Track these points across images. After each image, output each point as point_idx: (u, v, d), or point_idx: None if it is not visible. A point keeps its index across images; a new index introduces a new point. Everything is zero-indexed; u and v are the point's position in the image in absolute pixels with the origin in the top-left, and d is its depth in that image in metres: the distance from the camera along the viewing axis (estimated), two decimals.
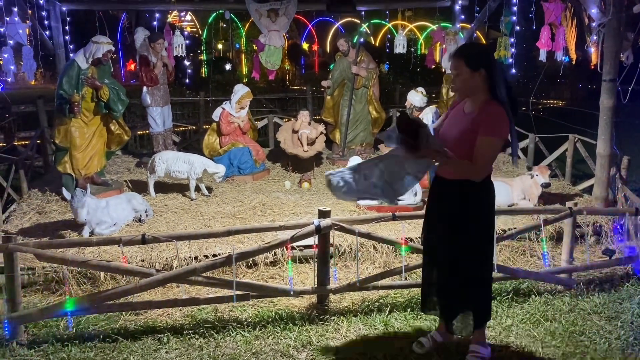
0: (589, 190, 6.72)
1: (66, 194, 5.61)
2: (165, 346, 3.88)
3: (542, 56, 7.01)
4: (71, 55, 6.55)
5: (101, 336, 3.99)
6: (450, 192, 3.41)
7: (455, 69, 3.34)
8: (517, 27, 8.06)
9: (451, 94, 7.99)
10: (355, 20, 16.87)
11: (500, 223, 5.54)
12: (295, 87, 17.37)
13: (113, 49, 6.45)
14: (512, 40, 8.15)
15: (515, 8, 7.90)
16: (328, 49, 22.03)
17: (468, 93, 3.36)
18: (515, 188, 6.29)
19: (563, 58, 6.94)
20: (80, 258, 4.26)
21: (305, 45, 22.59)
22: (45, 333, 4.07)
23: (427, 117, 6.64)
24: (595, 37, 5.99)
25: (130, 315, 4.33)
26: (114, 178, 7.50)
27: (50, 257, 4.01)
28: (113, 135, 6.73)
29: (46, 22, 8.18)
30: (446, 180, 3.43)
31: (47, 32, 8.24)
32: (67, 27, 8.54)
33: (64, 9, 8.48)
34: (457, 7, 9.56)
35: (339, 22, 18.45)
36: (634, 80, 5.88)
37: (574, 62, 7.28)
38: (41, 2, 7.89)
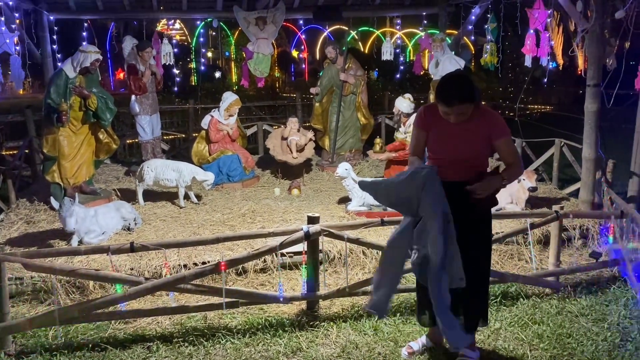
0: (575, 194, 6.79)
1: (54, 203, 5.59)
2: (155, 354, 3.88)
3: (528, 62, 7.09)
4: (59, 64, 6.53)
5: (90, 345, 3.97)
6: (455, 196, 3.26)
7: (462, 111, 3.23)
8: (502, 33, 8.16)
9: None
10: (344, 27, 16.95)
11: None
12: (285, 94, 17.38)
13: (101, 57, 6.46)
14: (498, 46, 8.24)
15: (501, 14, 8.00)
16: (317, 56, 22.10)
17: None
18: (503, 192, 6.33)
19: (551, 64, 7.02)
20: (68, 267, 4.24)
21: (294, 53, 22.64)
22: (34, 343, 4.04)
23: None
24: (579, 43, 6.08)
25: (119, 324, 4.32)
26: (103, 187, 7.49)
27: (38, 267, 4.00)
28: (101, 144, 6.73)
29: (33, 31, 8.17)
30: (447, 183, 3.26)
31: (35, 41, 8.23)
32: (54, 37, 8.53)
33: (51, 18, 8.47)
34: (444, 14, 9.67)
35: (328, 30, 18.51)
36: (617, 85, 5.97)
37: (560, 68, 7.36)
38: (29, 11, 7.89)
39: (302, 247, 4.31)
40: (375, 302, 3.43)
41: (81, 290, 4.70)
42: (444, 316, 3.21)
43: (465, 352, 3.65)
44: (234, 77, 20.06)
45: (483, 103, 3.44)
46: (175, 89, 12.39)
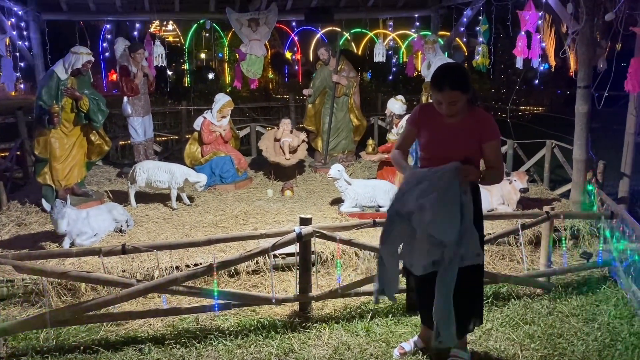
0: (566, 194, 6.83)
1: (46, 205, 5.57)
2: (147, 356, 3.87)
3: (519, 63, 7.13)
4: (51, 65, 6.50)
5: (82, 348, 3.96)
6: None
7: (452, 99, 3.20)
8: (494, 35, 8.20)
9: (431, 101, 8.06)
10: (337, 29, 16.98)
11: None
12: (278, 96, 17.38)
13: (93, 59, 6.43)
14: (490, 47, 8.29)
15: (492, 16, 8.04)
16: (311, 58, 22.11)
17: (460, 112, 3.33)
18: (494, 193, 6.37)
19: (542, 65, 7.06)
20: (59, 269, 4.22)
21: (288, 54, 22.64)
22: (25, 346, 4.02)
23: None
24: (570, 45, 6.12)
25: (111, 326, 4.30)
26: (95, 189, 7.46)
27: (30, 269, 3.98)
28: (93, 145, 6.70)
29: (25, 32, 8.13)
30: None
31: (26, 43, 8.19)
32: (46, 38, 8.49)
33: (43, 19, 8.43)
34: (436, 16, 9.70)
35: (321, 31, 18.54)
36: (607, 87, 6.01)
37: (553, 69, 7.40)
38: (20, 13, 7.85)
39: (294, 248, 4.32)
40: (384, 287, 3.44)
41: (73, 293, 4.69)
42: (444, 311, 3.24)
43: (457, 353, 3.66)
44: (227, 79, 20.04)
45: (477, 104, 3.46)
46: (168, 89, 12.34)
